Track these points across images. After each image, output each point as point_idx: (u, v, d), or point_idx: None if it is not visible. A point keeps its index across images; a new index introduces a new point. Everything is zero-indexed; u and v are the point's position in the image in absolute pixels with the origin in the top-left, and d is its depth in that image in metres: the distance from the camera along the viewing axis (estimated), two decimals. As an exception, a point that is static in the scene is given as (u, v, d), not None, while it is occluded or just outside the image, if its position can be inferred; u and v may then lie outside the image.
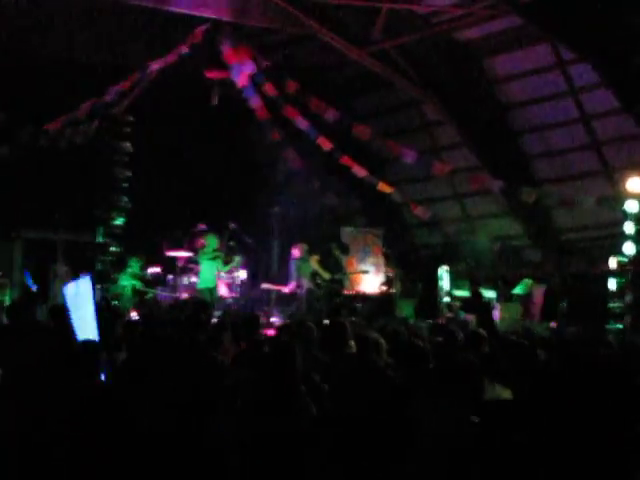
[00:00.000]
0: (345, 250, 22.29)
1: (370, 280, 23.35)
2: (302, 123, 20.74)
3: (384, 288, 22.90)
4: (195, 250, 21.06)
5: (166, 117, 22.22)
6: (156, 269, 21.98)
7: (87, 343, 7.67)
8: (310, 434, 7.09)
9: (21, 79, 19.12)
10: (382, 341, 9.79)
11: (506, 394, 8.19)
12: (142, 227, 21.50)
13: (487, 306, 17.44)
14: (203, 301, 15.20)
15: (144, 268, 21.02)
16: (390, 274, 22.82)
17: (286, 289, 21.13)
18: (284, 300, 21.55)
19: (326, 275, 20.77)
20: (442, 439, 7.19)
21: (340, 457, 7.29)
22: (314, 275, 20.87)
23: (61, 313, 11.64)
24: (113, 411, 7.05)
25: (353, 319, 15.40)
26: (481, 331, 10.86)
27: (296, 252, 21.08)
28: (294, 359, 7.57)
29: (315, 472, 7.00)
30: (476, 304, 16.89)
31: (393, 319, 19.80)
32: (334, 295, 20.94)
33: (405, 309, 21.68)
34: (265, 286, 21.72)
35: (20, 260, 21.30)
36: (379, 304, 22.26)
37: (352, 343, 10.46)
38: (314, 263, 20.80)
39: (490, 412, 7.47)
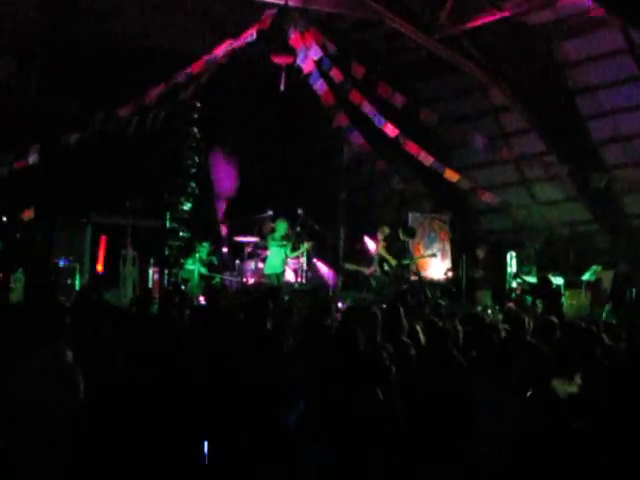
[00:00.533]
0: (411, 233, 22.13)
1: (437, 265, 23.27)
2: (368, 108, 20.73)
3: (450, 274, 22.77)
4: (263, 235, 21.20)
5: (233, 102, 22.34)
6: (224, 250, 22.19)
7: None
8: (376, 419, 7.12)
9: (92, 65, 19.31)
10: (459, 328, 9.87)
11: (571, 388, 8.13)
12: (210, 212, 21.72)
13: (556, 292, 17.27)
14: (273, 287, 15.24)
15: (211, 253, 21.18)
16: (482, 254, 22.27)
17: (367, 271, 21.18)
18: (351, 285, 21.63)
19: (393, 261, 20.72)
20: (499, 422, 7.22)
21: (406, 440, 7.31)
22: (382, 261, 20.84)
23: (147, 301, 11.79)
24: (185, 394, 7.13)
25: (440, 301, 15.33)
26: (552, 318, 10.83)
27: (379, 236, 21.17)
28: (356, 343, 7.61)
29: (381, 455, 7.02)
30: (544, 290, 16.73)
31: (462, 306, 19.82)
32: (402, 281, 20.85)
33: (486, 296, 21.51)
34: (348, 266, 21.81)
35: (89, 245, 21.56)
36: (448, 290, 22.18)
37: (418, 328, 10.48)
38: (381, 249, 20.79)
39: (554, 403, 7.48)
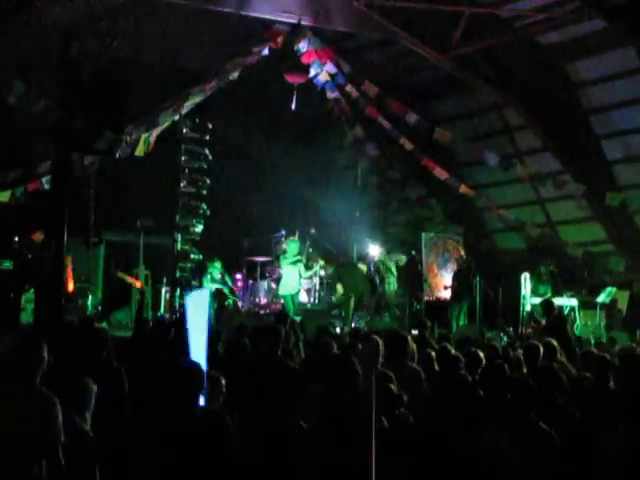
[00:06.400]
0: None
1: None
2: (385, 123, 20.81)
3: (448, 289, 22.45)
4: (276, 256, 21.15)
5: (244, 121, 22.31)
6: (238, 276, 22.14)
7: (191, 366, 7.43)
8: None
9: (101, 85, 19.19)
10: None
11: None
12: (221, 234, 21.65)
13: (559, 317, 16.97)
14: (281, 313, 15.13)
15: (223, 274, 21.08)
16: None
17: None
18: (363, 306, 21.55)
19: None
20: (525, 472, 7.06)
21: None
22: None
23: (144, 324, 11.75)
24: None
25: None
26: (553, 342, 10.80)
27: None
28: (353, 373, 7.50)
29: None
30: (548, 314, 16.48)
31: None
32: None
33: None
34: None
35: (102, 264, 21.48)
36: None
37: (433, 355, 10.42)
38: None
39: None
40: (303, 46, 19.36)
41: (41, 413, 6.26)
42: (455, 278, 21.63)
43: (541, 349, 10.52)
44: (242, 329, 12.14)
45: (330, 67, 20.04)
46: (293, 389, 8.39)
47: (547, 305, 16.42)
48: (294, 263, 20.03)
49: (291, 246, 20.22)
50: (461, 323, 20.32)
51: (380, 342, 9.71)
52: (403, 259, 22.29)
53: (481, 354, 10.00)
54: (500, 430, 7.34)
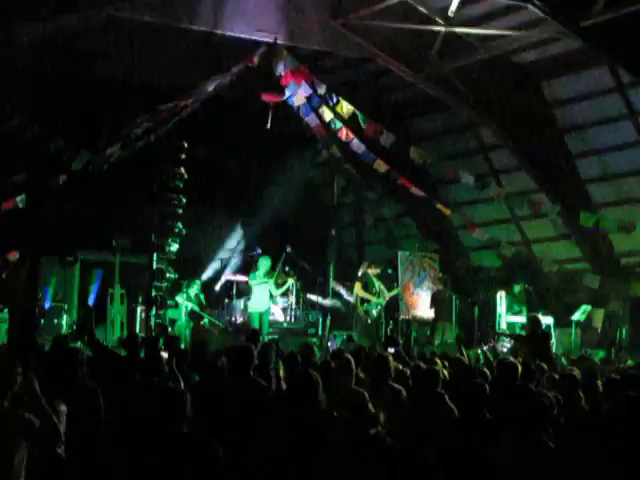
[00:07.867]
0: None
1: (425, 303, 23.07)
2: (358, 146, 20.82)
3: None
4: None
5: (219, 140, 22.31)
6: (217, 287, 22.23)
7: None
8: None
9: (75, 104, 19.11)
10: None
11: None
12: (197, 252, 21.63)
13: (545, 335, 16.99)
14: (252, 331, 14.99)
15: (198, 294, 21.07)
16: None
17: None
18: (340, 323, 21.53)
19: (373, 298, 20.54)
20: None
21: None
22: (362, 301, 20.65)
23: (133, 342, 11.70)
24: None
25: None
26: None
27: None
28: (316, 393, 7.49)
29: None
30: (532, 332, 16.47)
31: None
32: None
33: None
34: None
35: (78, 283, 21.46)
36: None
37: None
38: (358, 289, 20.61)
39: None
40: (280, 70, 19.35)
41: (11, 435, 6.21)
42: (434, 301, 21.62)
43: (519, 369, 10.53)
44: (200, 345, 12.05)
45: (305, 89, 20.02)
46: (262, 409, 8.39)
47: (534, 321, 16.44)
48: (264, 282, 19.90)
49: (262, 263, 20.11)
50: (438, 342, 20.34)
51: (352, 360, 9.73)
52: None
53: (445, 372, 10.07)
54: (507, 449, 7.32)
